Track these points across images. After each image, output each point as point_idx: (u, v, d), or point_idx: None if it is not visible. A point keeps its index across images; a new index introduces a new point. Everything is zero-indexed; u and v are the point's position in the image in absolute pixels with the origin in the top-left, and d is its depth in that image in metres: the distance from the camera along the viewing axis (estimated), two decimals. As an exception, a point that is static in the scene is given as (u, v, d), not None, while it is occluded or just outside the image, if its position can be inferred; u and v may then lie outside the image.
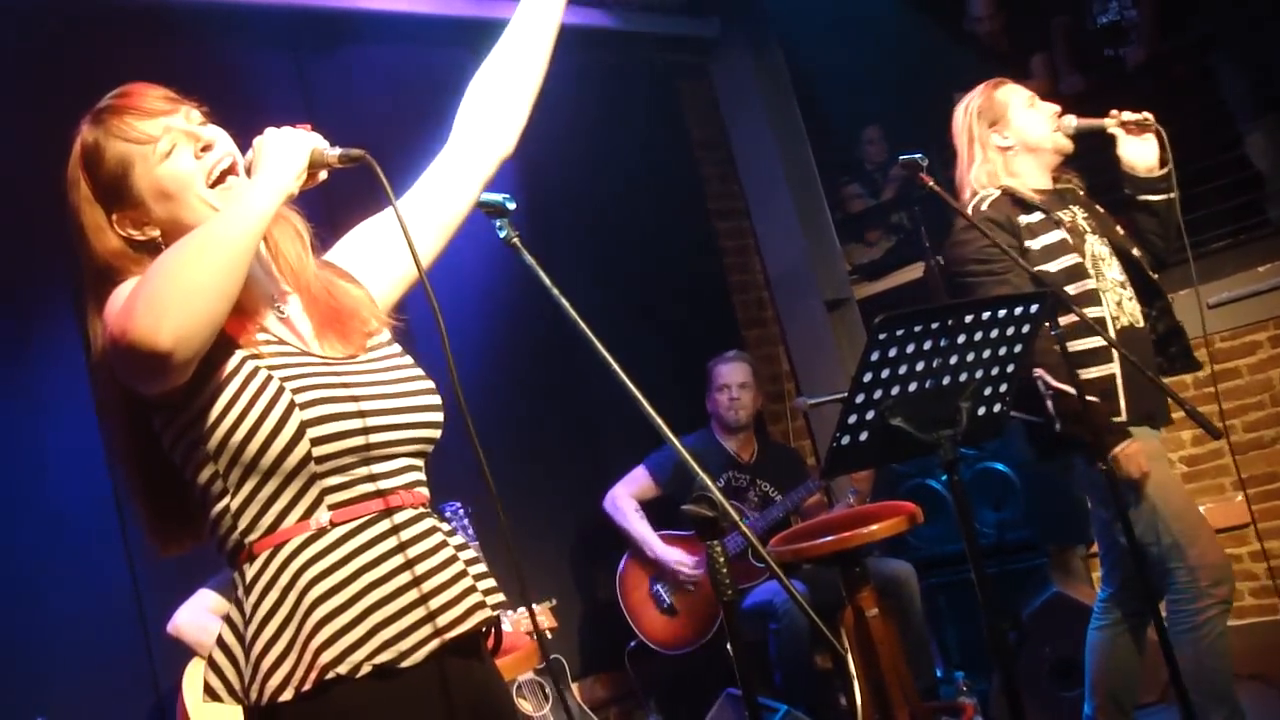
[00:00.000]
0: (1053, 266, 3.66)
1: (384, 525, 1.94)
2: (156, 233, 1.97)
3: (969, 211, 3.74)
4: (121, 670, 4.22)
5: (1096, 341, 3.56)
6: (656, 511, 5.46)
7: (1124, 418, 3.57)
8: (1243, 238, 5.69)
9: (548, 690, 4.64)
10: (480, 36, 6.17)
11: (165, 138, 1.97)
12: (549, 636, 4.65)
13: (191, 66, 4.40)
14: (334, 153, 1.95)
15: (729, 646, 2.10)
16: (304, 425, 1.86)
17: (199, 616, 3.92)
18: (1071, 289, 3.63)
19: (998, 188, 3.77)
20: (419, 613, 1.91)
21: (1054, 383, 3.48)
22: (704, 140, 7.23)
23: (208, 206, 1.96)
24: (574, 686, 4.99)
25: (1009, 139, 3.83)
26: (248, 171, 1.96)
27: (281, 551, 1.88)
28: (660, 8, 6.71)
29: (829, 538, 4.08)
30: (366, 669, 1.84)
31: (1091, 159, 4.11)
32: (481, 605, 1.99)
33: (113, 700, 4.19)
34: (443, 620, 1.92)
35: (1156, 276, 3.85)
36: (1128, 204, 3.90)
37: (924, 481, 5.48)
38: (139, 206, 1.97)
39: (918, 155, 3.53)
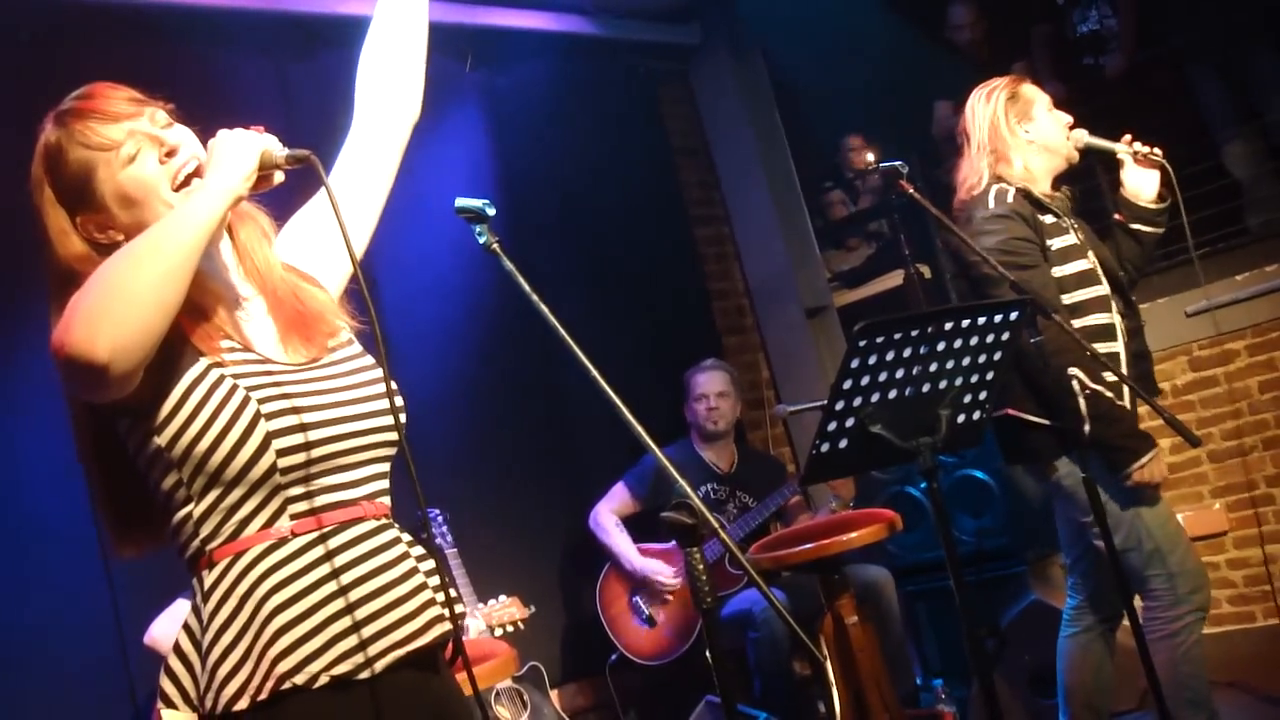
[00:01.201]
0: (1068, 269, 3.67)
1: (346, 536, 1.92)
2: (120, 237, 1.94)
3: (990, 202, 3.70)
4: (98, 681, 4.18)
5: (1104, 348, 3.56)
6: (639, 525, 5.45)
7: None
8: (1220, 246, 5.71)
9: (526, 698, 4.62)
10: (459, 42, 6.19)
11: (129, 142, 1.94)
12: (521, 627, 4.63)
13: (172, 71, 4.38)
14: (282, 154, 1.92)
15: (708, 654, 2.09)
16: (269, 436, 1.84)
17: (175, 628, 3.89)
18: (1083, 294, 3.64)
19: (1015, 185, 3.73)
20: (379, 624, 1.88)
21: (1090, 383, 3.48)
22: (684, 147, 7.22)
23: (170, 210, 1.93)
24: (553, 694, 4.98)
25: (1030, 134, 3.81)
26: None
27: (241, 560, 1.86)
28: (641, 15, 6.71)
29: (808, 545, 4.08)
30: (324, 680, 1.82)
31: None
32: (441, 618, 1.96)
33: (90, 711, 4.15)
34: (402, 632, 1.90)
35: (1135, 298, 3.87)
36: (1118, 228, 3.90)
37: (903, 489, 5.48)
38: (102, 211, 1.94)
39: (898, 163, 3.53)
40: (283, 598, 1.84)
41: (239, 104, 4.69)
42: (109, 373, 1.70)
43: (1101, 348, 3.54)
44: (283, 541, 1.87)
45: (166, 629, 3.92)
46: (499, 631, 4.56)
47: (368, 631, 1.87)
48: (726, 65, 7.02)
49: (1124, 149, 3.82)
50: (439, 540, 4.76)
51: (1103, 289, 3.67)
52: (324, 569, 1.87)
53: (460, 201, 2.21)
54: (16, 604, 4.08)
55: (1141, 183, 3.84)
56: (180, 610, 3.94)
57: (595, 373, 2.01)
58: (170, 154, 1.96)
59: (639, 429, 1.99)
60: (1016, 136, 3.80)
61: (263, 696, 1.80)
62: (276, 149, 1.93)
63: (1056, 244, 3.69)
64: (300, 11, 5.17)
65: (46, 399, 4.09)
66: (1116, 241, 3.89)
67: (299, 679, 1.80)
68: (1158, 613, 3.58)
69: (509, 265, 2.13)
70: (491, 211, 2.18)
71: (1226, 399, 5.47)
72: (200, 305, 1.90)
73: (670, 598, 5.28)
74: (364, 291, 1.90)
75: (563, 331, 2.04)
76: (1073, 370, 3.49)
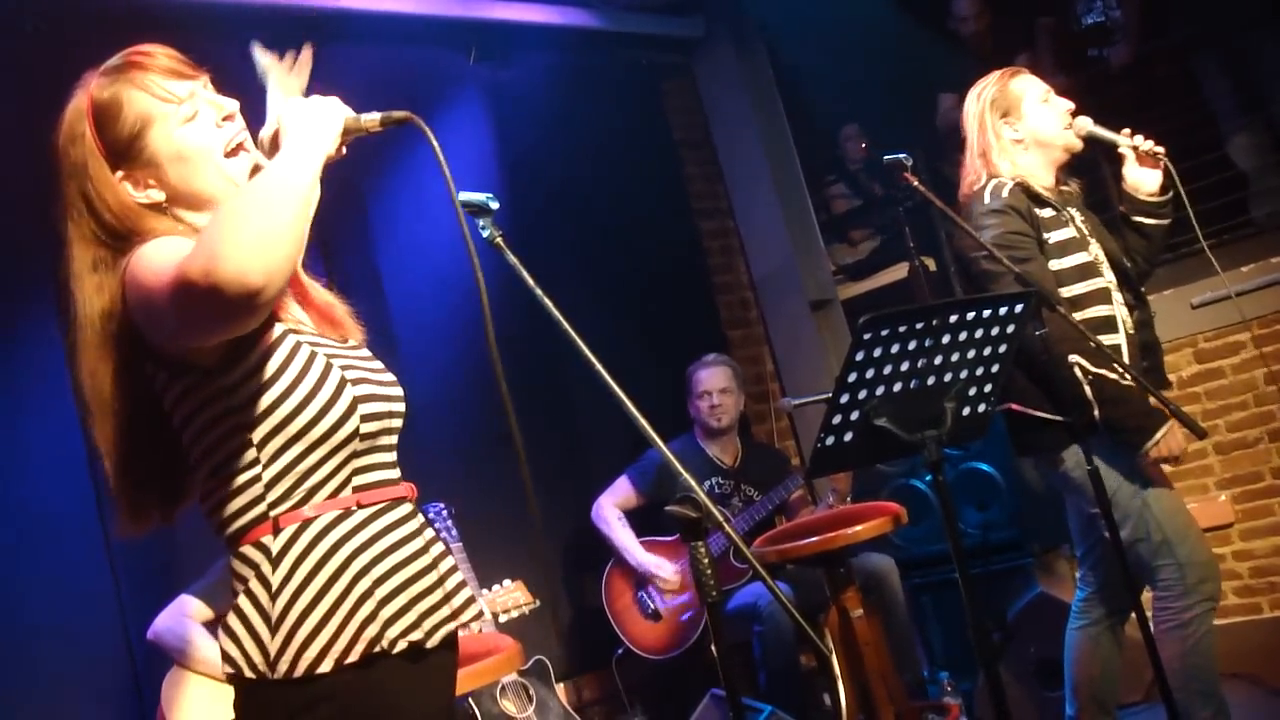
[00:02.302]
0: (1066, 262, 3.66)
1: (398, 512, 1.98)
2: (161, 196, 1.96)
3: (986, 198, 3.70)
4: (104, 676, 4.19)
5: (1105, 339, 3.55)
6: (643, 519, 5.45)
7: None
8: (1226, 238, 5.70)
9: (531, 691, 4.62)
10: (463, 36, 6.18)
11: (190, 101, 1.97)
12: (526, 613, 4.64)
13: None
14: (373, 117, 1.94)
15: (713, 648, 2.10)
16: (356, 401, 1.90)
17: (179, 623, 3.89)
18: (1083, 287, 3.64)
19: (1013, 179, 3.73)
20: (433, 598, 1.95)
21: (1092, 368, 3.48)
22: (688, 140, 7.22)
23: (223, 175, 1.96)
24: (559, 688, 4.98)
25: (1019, 132, 3.79)
26: (268, 143, 1.93)
27: (313, 526, 1.88)
28: (644, 7, 6.70)
29: (813, 538, 4.07)
30: (402, 645, 1.86)
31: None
32: (473, 599, 2.04)
33: (95, 706, 4.16)
34: (449, 608, 1.98)
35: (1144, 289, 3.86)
36: (1122, 221, 3.89)
37: (909, 482, 5.47)
38: (149, 166, 1.95)
39: (902, 155, 3.52)
40: (363, 563, 1.88)
41: (238, 98, 4.67)
42: (260, 298, 1.69)
43: (1103, 340, 3.53)
44: (349, 512, 1.91)
45: (170, 625, 3.92)
46: (504, 618, 4.56)
47: (430, 601, 1.94)
48: (730, 58, 7.00)
49: (1126, 143, 3.80)
50: (443, 535, 4.76)
51: (1102, 281, 3.66)
52: (390, 539, 1.94)
53: (464, 195, 2.20)
54: (22, 600, 4.09)
55: (1142, 177, 3.82)
56: (184, 607, 3.93)
57: (599, 366, 2.02)
58: (227, 119, 1.99)
59: (643, 423, 1.99)
60: (1001, 139, 3.80)
61: (351, 659, 1.82)
62: (358, 115, 1.96)
63: (1055, 237, 3.68)
64: (300, 5, 5.16)
65: (51, 395, 4.12)
66: (1122, 234, 3.88)
67: (384, 643, 1.85)
68: (1168, 603, 3.56)
69: (512, 259, 2.13)
70: (495, 205, 2.18)
71: (1232, 390, 5.46)
72: None
73: (669, 595, 5.28)
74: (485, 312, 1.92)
75: (566, 325, 2.05)
76: (1073, 358, 3.49)
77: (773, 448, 6.53)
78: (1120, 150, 3.83)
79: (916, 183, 3.51)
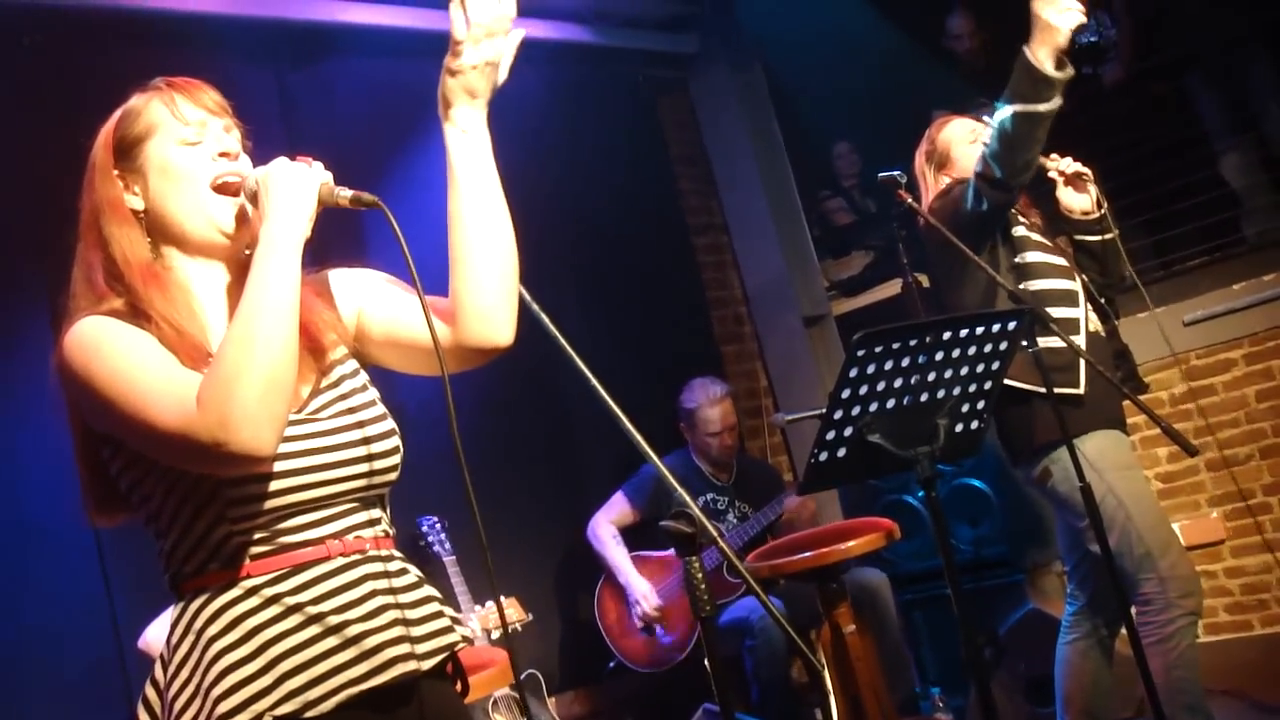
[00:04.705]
0: (1032, 257, 3.73)
1: (304, 576, 1.89)
2: (140, 205, 1.98)
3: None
4: (95, 684, 4.18)
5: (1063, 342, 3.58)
6: (640, 533, 5.46)
7: (1080, 390, 3.61)
8: (1218, 256, 5.72)
9: (524, 705, 4.62)
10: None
11: (197, 128, 1.99)
12: (519, 629, 4.64)
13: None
14: (345, 194, 1.92)
15: (706, 662, 2.09)
16: (220, 487, 1.84)
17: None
18: (1052, 283, 3.69)
19: None
20: (331, 662, 1.85)
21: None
22: (682, 156, 7.24)
23: (201, 206, 1.96)
24: (551, 702, 4.98)
25: (958, 175, 3.86)
26: (252, 200, 1.94)
27: (199, 598, 1.88)
28: (640, 24, 6.72)
29: (806, 554, 4.08)
30: (268, 719, 1.81)
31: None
32: (409, 656, 1.92)
33: (87, 715, 4.15)
34: (358, 670, 1.86)
35: (1104, 300, 3.90)
36: (1068, 242, 3.93)
37: (901, 498, 5.48)
38: (138, 173, 1.98)
39: (896, 172, 3.55)
40: (230, 639, 1.83)
41: (238, 112, 4.68)
42: (269, 455, 1.79)
43: (1057, 344, 3.58)
44: (236, 582, 1.86)
45: (159, 635, 3.92)
46: (496, 634, 4.57)
47: (318, 670, 1.84)
48: (725, 74, 7.03)
49: (1052, 166, 3.82)
50: (436, 548, 4.77)
51: (1071, 284, 3.74)
52: (275, 609, 1.86)
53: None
54: (14, 608, 4.08)
55: (1074, 198, 3.86)
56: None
57: (594, 381, 2.01)
58: (224, 155, 1.99)
59: (638, 438, 1.99)
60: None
61: None
62: (334, 186, 1.93)
63: (1018, 232, 3.76)
64: (299, 20, 5.18)
65: (45, 406, 4.11)
66: (1075, 254, 3.92)
67: (242, 718, 1.80)
68: (1150, 617, 3.58)
69: (509, 273, 2.12)
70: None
71: (1224, 408, 5.48)
72: (192, 348, 1.90)
73: (649, 622, 5.27)
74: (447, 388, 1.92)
75: (562, 340, 2.04)
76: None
77: (766, 464, 6.54)
78: (1049, 174, 3.84)
79: (910, 200, 3.53)
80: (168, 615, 3.91)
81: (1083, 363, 3.59)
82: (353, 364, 2.07)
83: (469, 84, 1.97)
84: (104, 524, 2.04)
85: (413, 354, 2.09)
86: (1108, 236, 3.87)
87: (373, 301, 2.11)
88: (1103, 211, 3.86)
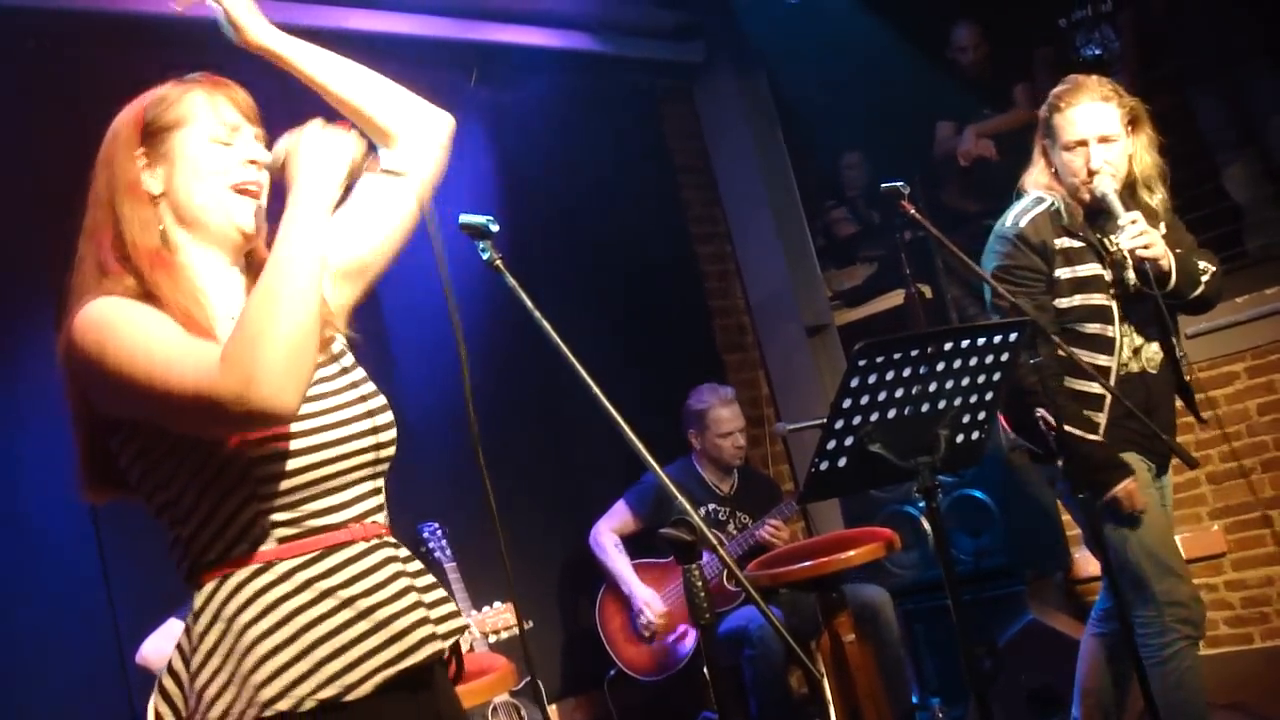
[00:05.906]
0: (1075, 300, 3.67)
1: (333, 560, 1.91)
2: (159, 189, 2.00)
3: (1010, 219, 3.73)
4: (97, 694, 4.17)
5: (1094, 373, 3.55)
6: (641, 541, 5.46)
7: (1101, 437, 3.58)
8: (1221, 269, 5.72)
9: (523, 712, 4.62)
10: (464, 58, 6.20)
11: (230, 130, 2.03)
12: (517, 631, 4.64)
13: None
14: (376, 164, 1.99)
15: (705, 671, 2.10)
16: (250, 463, 1.85)
17: (167, 646, 3.88)
18: (1089, 328, 3.65)
19: (1059, 197, 3.72)
20: (366, 645, 1.87)
21: (1054, 424, 3.45)
22: (686, 164, 7.24)
23: (221, 203, 1.98)
24: (551, 709, 4.98)
25: (1052, 157, 3.79)
26: (281, 168, 1.97)
27: (226, 584, 1.86)
28: (645, 32, 6.73)
29: (806, 563, 4.08)
30: (310, 704, 1.81)
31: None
32: (434, 637, 1.96)
33: (87, 716, 4.15)
34: (391, 651, 1.89)
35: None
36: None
37: (901, 508, 5.48)
38: (164, 159, 1.99)
39: (899, 183, 3.54)
40: (266, 625, 1.83)
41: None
42: (292, 413, 1.79)
43: (1096, 360, 3.56)
44: (268, 566, 1.87)
45: (157, 648, 3.91)
46: (494, 639, 4.57)
47: (355, 653, 1.86)
48: (730, 83, 7.04)
49: (1129, 235, 3.62)
50: (437, 554, 4.77)
51: (1110, 330, 3.65)
52: (309, 594, 1.87)
53: (464, 218, 2.22)
54: (15, 617, 4.08)
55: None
56: (172, 629, 3.92)
57: (596, 389, 2.02)
58: (252, 162, 2.02)
59: (640, 447, 2.00)
60: (1037, 161, 3.82)
61: None
62: (366, 154, 2.01)
63: (1069, 273, 3.66)
64: (302, 26, 5.17)
65: (48, 410, 4.11)
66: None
67: (283, 705, 1.80)
68: (1147, 640, 3.56)
69: (511, 281, 2.14)
70: (495, 228, 2.20)
71: (1226, 420, 5.47)
72: (201, 322, 1.90)
73: (651, 633, 5.27)
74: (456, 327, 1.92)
75: (564, 347, 2.05)
76: (1039, 412, 3.50)
77: (766, 475, 6.53)
78: (1119, 223, 3.66)
79: (914, 211, 3.53)
80: (166, 628, 3.94)
81: (1104, 425, 3.58)
82: (340, 339, 2.11)
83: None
84: (95, 500, 2.03)
85: (369, 267, 2.21)
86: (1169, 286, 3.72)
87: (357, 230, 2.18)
88: (1168, 269, 3.70)
